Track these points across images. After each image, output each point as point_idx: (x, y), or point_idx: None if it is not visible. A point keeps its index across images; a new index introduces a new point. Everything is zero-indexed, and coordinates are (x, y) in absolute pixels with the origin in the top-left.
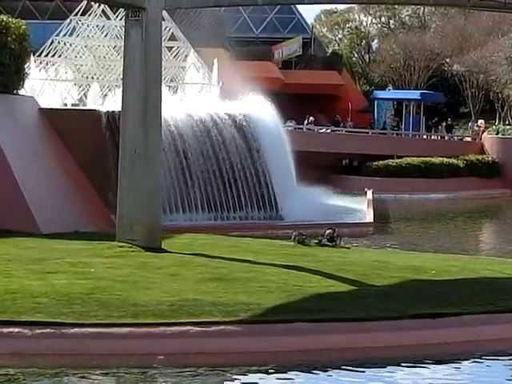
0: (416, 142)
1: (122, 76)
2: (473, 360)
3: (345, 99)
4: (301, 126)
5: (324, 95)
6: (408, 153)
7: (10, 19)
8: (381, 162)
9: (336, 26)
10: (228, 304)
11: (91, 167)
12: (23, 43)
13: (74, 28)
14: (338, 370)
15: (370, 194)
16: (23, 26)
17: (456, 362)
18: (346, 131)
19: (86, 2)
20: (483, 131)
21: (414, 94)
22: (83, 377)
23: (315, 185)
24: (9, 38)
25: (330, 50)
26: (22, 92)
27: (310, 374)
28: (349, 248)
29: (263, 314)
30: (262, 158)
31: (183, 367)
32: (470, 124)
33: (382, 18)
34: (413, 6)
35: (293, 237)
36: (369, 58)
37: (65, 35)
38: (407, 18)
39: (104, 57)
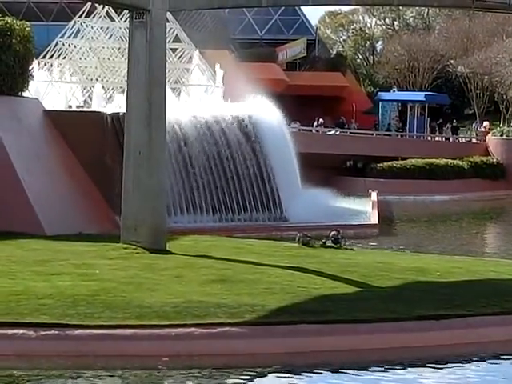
0: (420, 144)
1: (126, 78)
2: (477, 362)
3: (349, 101)
4: (309, 128)
5: (328, 97)
6: (412, 154)
7: (15, 21)
8: (385, 164)
9: (340, 28)
10: (232, 305)
11: (95, 169)
12: (28, 45)
13: (79, 30)
14: (342, 372)
15: (374, 195)
16: (28, 28)
17: (460, 363)
18: (350, 133)
19: (90, 3)
20: (487, 133)
21: (419, 96)
22: (87, 378)
23: (320, 186)
24: (13, 40)
25: (335, 52)
26: (26, 94)
27: (315, 376)
28: (353, 249)
29: (268, 315)
30: (266, 159)
31: (188, 369)
32: (473, 125)
33: (387, 20)
34: (417, 8)
35: (297, 238)
36: (373, 59)
37: (69, 37)
38: (412, 19)
39: (108, 58)
